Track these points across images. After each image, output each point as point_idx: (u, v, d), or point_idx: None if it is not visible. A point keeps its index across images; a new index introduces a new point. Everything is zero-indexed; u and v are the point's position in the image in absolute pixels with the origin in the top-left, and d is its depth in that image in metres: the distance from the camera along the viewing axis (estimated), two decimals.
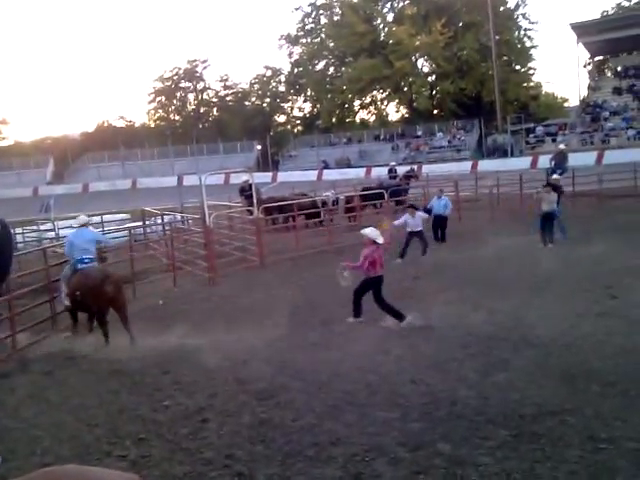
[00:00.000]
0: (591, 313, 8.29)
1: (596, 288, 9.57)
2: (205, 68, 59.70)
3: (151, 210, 16.66)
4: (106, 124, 64.25)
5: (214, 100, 61.21)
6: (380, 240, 8.66)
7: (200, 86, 60.62)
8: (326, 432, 5.15)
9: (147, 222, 16.55)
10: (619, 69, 43.59)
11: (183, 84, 60.17)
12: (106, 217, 17.23)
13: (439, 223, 14.85)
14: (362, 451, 4.74)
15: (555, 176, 15.40)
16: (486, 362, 6.69)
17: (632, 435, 4.66)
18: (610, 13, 48.62)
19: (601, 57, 46.88)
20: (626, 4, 49.56)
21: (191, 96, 61.27)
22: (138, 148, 52.58)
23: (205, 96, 61.34)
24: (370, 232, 8.75)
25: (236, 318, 9.39)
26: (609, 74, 45.26)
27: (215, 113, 61.42)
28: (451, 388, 5.98)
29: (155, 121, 62.29)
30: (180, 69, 59.15)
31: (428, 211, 14.61)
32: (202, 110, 61.36)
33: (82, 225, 9.16)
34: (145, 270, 12.63)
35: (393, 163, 28.08)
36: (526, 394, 5.68)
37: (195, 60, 59.22)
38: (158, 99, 60.51)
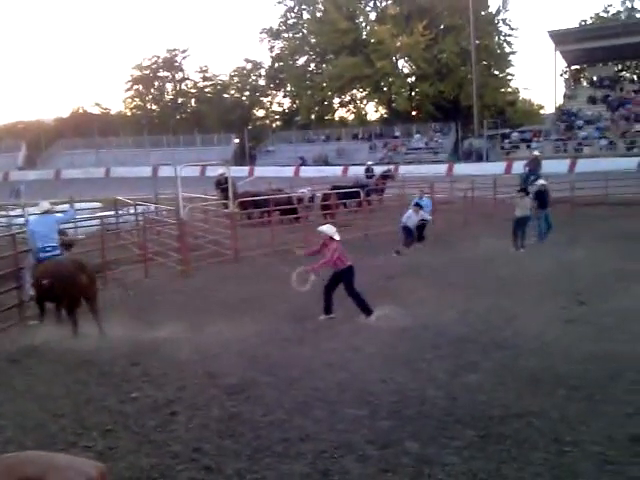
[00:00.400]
0: (560, 318, 8.43)
1: (566, 294, 9.74)
2: (185, 58, 59.17)
3: (124, 200, 16.42)
4: (81, 110, 63.24)
5: (192, 91, 60.61)
6: (337, 237, 8.92)
7: (179, 76, 60.04)
8: (295, 428, 5.15)
9: (120, 212, 16.31)
10: (595, 79, 44.42)
11: (161, 73, 59.45)
12: (77, 205, 16.90)
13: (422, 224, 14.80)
14: (331, 448, 4.75)
15: (541, 181, 15.54)
16: (456, 363, 6.75)
17: (596, 439, 4.75)
18: (588, 23, 49.54)
19: (578, 66, 47.71)
20: (604, 15, 50.58)
21: (169, 86, 60.65)
22: (113, 136, 51.83)
23: (183, 86, 60.75)
24: (327, 229, 9.05)
25: (208, 311, 9.32)
26: (585, 83, 46.12)
27: (193, 104, 60.84)
28: (420, 387, 6.03)
29: (131, 110, 61.43)
30: (159, 58, 58.48)
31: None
32: (180, 100, 60.72)
33: (45, 212, 8.91)
34: (116, 260, 12.44)
35: (370, 162, 28.17)
36: (494, 396, 5.75)
37: (175, 49, 58.64)
38: (135, 87, 59.69)
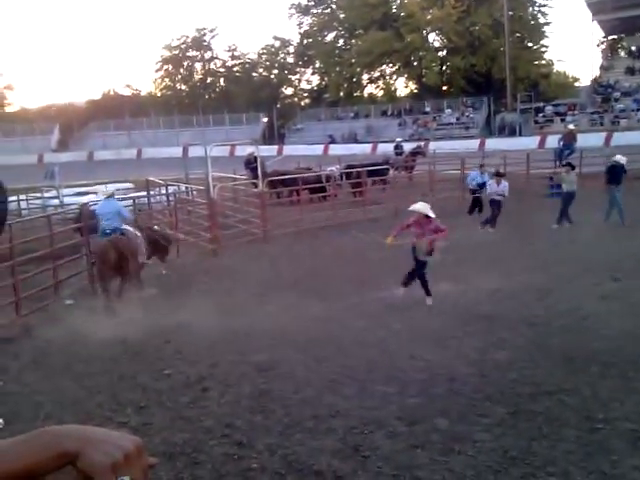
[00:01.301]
0: (594, 295, 8.27)
1: (601, 270, 9.54)
2: (213, 37, 58.91)
3: (155, 180, 16.61)
4: (112, 92, 63.74)
5: (221, 70, 60.49)
6: (432, 213, 8.31)
7: (208, 55, 59.86)
8: (325, 405, 5.20)
9: (151, 192, 16.51)
10: (633, 49, 42.80)
11: (190, 53, 59.42)
12: (110, 186, 17.15)
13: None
14: (361, 424, 4.79)
15: (618, 157, 14.33)
16: (485, 340, 6.71)
17: (628, 416, 4.68)
18: None
19: (615, 36, 46.05)
20: None
21: (198, 65, 60.54)
22: (144, 117, 52.26)
23: (212, 66, 60.59)
24: (422, 207, 8.35)
25: (238, 290, 9.42)
26: (622, 54, 44.47)
27: (222, 84, 60.75)
28: (450, 365, 6.01)
29: (161, 90, 61.68)
30: (188, 37, 58.38)
31: (482, 185, 14.85)
32: (209, 80, 60.67)
33: (109, 196, 9.44)
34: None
35: (399, 139, 27.84)
36: (524, 373, 5.71)
37: (203, 29, 58.43)
38: (165, 68, 59.85)
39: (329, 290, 9.26)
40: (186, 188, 17.01)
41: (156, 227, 11.06)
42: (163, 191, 16.05)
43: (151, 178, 16.43)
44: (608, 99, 37.59)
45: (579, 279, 9.13)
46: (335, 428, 4.71)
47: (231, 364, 6.40)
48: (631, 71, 39.39)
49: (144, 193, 16.11)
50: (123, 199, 14.58)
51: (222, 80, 60.50)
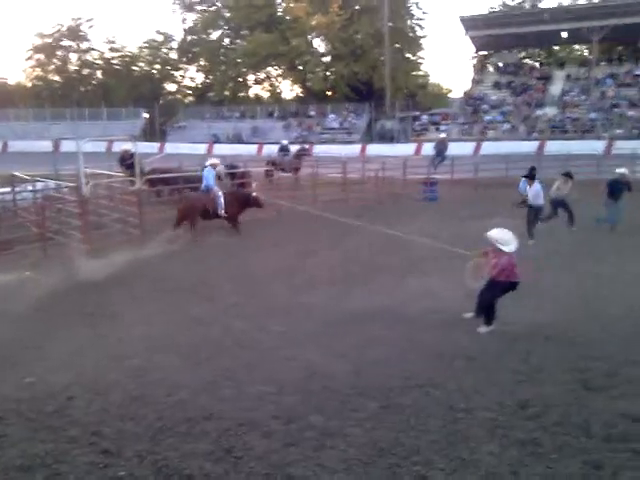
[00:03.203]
0: (464, 293, 8.77)
1: None
2: (90, 27, 55.89)
3: (22, 175, 15.43)
4: None
5: (99, 62, 57.52)
6: (509, 248, 6.98)
7: (84, 46, 56.70)
8: (200, 408, 5.09)
9: (17, 188, 15.31)
10: (500, 65, 46.31)
11: (65, 43, 55.92)
12: None
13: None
14: (235, 425, 4.73)
15: (622, 170, 13.76)
16: (362, 338, 6.92)
17: (488, 406, 5.03)
18: (496, 10, 51.46)
19: (485, 52, 49.53)
20: (510, 3, 52.71)
21: (73, 56, 57.15)
22: (11, 108, 48.43)
23: (89, 57, 57.47)
24: (498, 235, 7.06)
25: (112, 292, 8.99)
26: (491, 69, 47.96)
27: (99, 76, 57.83)
28: (327, 363, 6.13)
29: (32, 80, 57.51)
30: (63, 26, 54.87)
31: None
32: (85, 72, 57.47)
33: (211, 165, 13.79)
34: (11, 240, 11.69)
35: (285, 141, 28.02)
36: (397, 368, 5.95)
37: (79, 18, 55.26)
38: (36, 57, 55.86)
39: (209, 291, 9.12)
40: (55, 185, 15.94)
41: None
42: (30, 187, 14.94)
43: (16, 173, 15.25)
44: (477, 111, 40.36)
45: (450, 279, 9.65)
46: (209, 431, 4.62)
47: (101, 370, 6.09)
48: (498, 86, 42.60)
49: (8, 189, 14.93)
50: None
51: (100, 73, 57.60)
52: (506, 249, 6.94)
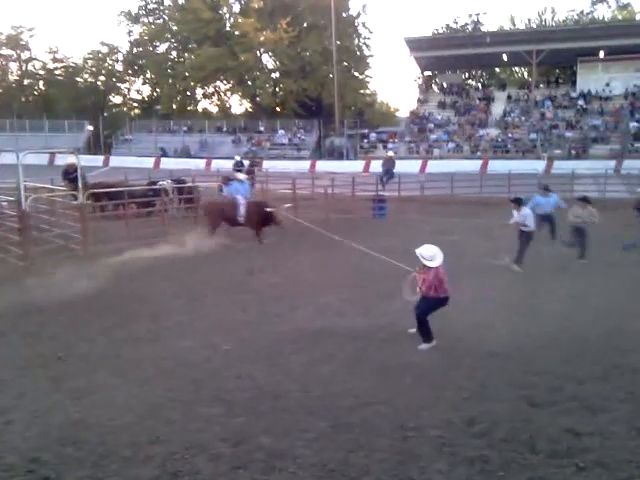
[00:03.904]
0: (409, 309, 8.89)
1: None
2: (32, 37, 54.25)
3: None
4: None
5: (41, 72, 55.88)
6: (433, 263, 7.05)
7: (25, 56, 54.97)
8: (145, 431, 4.95)
9: None
10: (444, 85, 47.67)
11: (4, 51, 54.04)
12: None
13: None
14: (182, 449, 4.63)
15: None
16: (312, 356, 6.89)
17: (436, 423, 5.09)
18: (440, 32, 53.05)
19: (430, 72, 50.89)
20: (453, 26, 54.48)
21: (14, 66, 55.35)
22: None
23: (30, 67, 55.78)
24: (424, 251, 7.15)
25: (51, 311, 8.65)
26: (435, 89, 49.28)
27: (41, 87, 56.20)
28: (276, 382, 6.08)
29: None
30: (2, 34, 53.08)
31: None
32: (26, 82, 55.71)
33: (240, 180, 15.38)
34: None
35: (239, 157, 27.97)
36: (346, 386, 5.95)
37: (20, 27, 53.59)
38: None
39: (154, 309, 8.89)
40: None
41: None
42: None
43: None
44: (423, 130, 41.33)
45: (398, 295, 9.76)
46: (154, 455, 4.50)
47: (41, 392, 5.84)
48: (442, 105, 43.80)
49: None
50: None
51: (42, 83, 55.94)
52: (431, 264, 7.06)
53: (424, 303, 7.31)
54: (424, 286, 7.17)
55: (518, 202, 11.74)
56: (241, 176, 15.99)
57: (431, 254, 7.11)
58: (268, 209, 14.24)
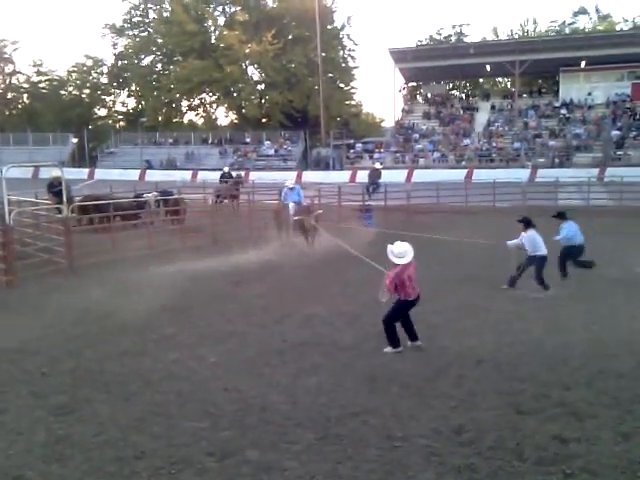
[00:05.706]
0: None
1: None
2: (15, 50, 54.13)
3: None
4: None
5: (25, 86, 55.65)
6: (400, 260, 7.06)
7: (9, 69, 54.79)
8: (130, 446, 4.89)
9: None
10: (429, 96, 48.07)
11: None
12: None
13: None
14: (168, 464, 4.57)
15: None
16: (298, 367, 6.86)
17: (423, 432, 5.08)
18: (424, 43, 53.57)
19: (414, 83, 51.31)
20: (437, 37, 55.07)
21: None
22: None
23: (14, 81, 55.55)
24: (393, 248, 7.13)
25: (36, 324, 8.55)
26: (420, 100, 49.68)
27: (25, 100, 55.92)
28: (262, 394, 6.03)
29: None
30: None
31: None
32: (10, 95, 55.44)
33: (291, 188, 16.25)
34: None
35: (227, 168, 28.01)
36: (333, 397, 5.92)
37: (4, 40, 53.41)
38: None
39: (140, 322, 8.81)
40: None
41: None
42: None
43: None
44: (409, 140, 41.59)
45: (386, 305, 9.76)
46: (139, 470, 4.44)
47: (24, 409, 5.75)
48: (427, 115, 44.15)
49: None
50: None
51: (26, 96, 55.67)
52: (398, 261, 7.05)
53: (393, 307, 7.27)
54: (387, 281, 7.12)
55: (526, 223, 10.38)
56: (290, 184, 16.71)
57: (401, 251, 7.09)
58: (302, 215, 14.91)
